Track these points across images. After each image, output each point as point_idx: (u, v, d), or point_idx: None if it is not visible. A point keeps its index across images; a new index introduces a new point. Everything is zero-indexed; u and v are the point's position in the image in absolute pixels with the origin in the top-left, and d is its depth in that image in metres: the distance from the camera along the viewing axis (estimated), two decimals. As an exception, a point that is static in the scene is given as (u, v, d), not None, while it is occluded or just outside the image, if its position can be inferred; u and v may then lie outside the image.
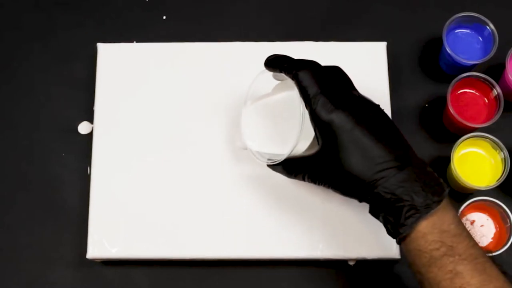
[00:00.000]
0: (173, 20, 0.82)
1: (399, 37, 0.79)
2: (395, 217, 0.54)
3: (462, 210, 0.68)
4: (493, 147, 0.71)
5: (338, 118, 0.55)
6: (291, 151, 0.59)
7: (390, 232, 0.56)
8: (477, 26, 0.75)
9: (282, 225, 0.70)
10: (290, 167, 0.62)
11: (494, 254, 0.67)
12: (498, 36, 0.73)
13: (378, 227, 0.69)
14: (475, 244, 0.54)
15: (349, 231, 0.70)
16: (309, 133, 0.58)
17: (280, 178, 0.71)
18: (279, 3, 0.82)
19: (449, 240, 0.53)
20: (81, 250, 0.71)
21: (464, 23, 0.75)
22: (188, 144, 0.73)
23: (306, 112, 0.57)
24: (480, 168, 0.72)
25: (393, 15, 0.81)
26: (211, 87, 0.74)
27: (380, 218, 0.56)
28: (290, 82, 0.59)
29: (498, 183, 0.69)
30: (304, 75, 0.57)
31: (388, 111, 0.73)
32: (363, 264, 0.72)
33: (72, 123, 0.77)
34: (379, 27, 0.81)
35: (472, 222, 0.70)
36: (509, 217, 0.67)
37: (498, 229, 0.70)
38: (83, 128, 0.77)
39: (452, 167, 0.69)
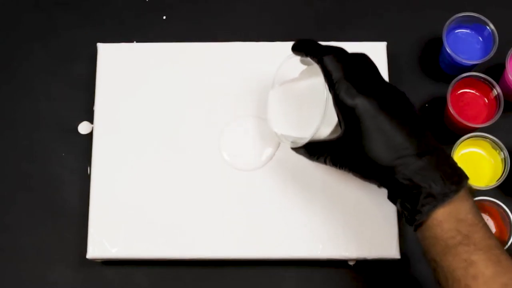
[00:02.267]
0: (173, 20, 0.82)
1: (399, 37, 0.79)
2: (412, 204, 0.54)
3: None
4: (493, 147, 0.71)
5: (361, 104, 0.56)
6: (314, 135, 0.60)
7: (407, 219, 0.56)
8: (477, 26, 0.75)
9: (282, 225, 0.70)
10: (313, 149, 0.62)
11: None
12: (498, 36, 0.73)
13: (378, 227, 0.69)
14: (491, 235, 0.54)
15: (349, 231, 0.70)
16: (333, 118, 0.59)
17: (280, 179, 0.71)
18: (279, 3, 0.82)
19: (465, 229, 0.53)
20: (81, 250, 0.71)
21: (464, 23, 0.75)
22: (188, 144, 0.73)
23: (330, 97, 0.58)
24: (480, 168, 0.72)
25: (393, 15, 0.81)
26: (211, 87, 0.74)
27: (398, 204, 0.57)
28: (316, 68, 0.60)
29: (498, 183, 0.69)
30: (329, 60, 0.58)
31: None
32: (363, 264, 0.72)
33: (72, 123, 0.77)
34: (379, 27, 0.81)
35: (472, 222, 0.70)
36: (509, 217, 0.67)
37: (498, 229, 0.70)
38: (83, 128, 0.77)
39: (452, 167, 0.69)
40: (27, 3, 0.83)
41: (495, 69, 0.77)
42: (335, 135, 0.59)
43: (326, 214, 0.70)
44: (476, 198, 0.68)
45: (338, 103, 0.57)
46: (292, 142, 0.65)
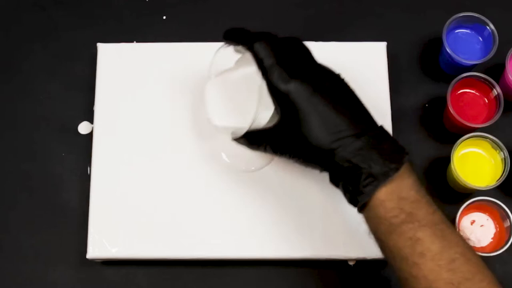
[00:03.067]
0: (173, 20, 0.82)
1: (399, 37, 0.79)
2: (353, 186, 0.54)
3: (462, 210, 0.68)
4: (493, 147, 0.71)
5: (295, 88, 0.55)
6: (252, 123, 0.60)
7: (350, 201, 0.56)
8: (477, 26, 0.75)
9: (282, 225, 0.70)
10: (252, 138, 0.62)
11: (494, 254, 0.67)
12: (498, 36, 0.73)
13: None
14: (435, 210, 0.54)
15: (349, 231, 0.70)
16: (270, 104, 0.58)
17: (280, 178, 0.71)
18: (279, 4, 0.82)
19: (408, 207, 0.53)
20: (81, 250, 0.71)
21: (464, 23, 0.75)
22: (188, 144, 0.73)
23: (264, 85, 0.57)
24: (480, 168, 0.72)
25: (393, 15, 0.81)
26: (211, 87, 0.75)
27: (340, 187, 0.56)
28: (249, 56, 0.59)
29: (498, 183, 0.69)
30: (260, 47, 0.57)
31: (388, 111, 0.73)
32: (363, 264, 0.72)
33: (72, 123, 0.77)
34: (379, 27, 0.81)
35: (472, 222, 0.70)
36: (509, 217, 0.67)
37: (498, 229, 0.70)
38: (83, 128, 0.77)
39: (452, 167, 0.69)
40: (27, 3, 0.83)
41: (495, 69, 0.77)
42: (273, 122, 0.59)
43: (326, 214, 0.70)
44: (476, 198, 0.68)
45: (272, 89, 0.56)
46: (232, 133, 0.64)
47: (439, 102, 0.77)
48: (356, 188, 0.54)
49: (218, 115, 0.66)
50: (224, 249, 0.69)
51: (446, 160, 0.73)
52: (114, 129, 0.73)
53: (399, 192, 0.53)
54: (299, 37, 0.60)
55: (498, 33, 0.73)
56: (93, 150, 0.73)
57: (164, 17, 0.82)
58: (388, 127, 0.72)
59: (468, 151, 0.72)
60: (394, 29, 0.80)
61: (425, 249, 0.52)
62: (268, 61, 0.56)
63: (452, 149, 0.70)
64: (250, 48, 0.58)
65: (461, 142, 0.70)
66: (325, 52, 0.75)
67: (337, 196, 0.70)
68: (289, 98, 0.55)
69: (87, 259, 0.70)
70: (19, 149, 0.77)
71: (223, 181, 0.71)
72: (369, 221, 0.55)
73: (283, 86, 0.56)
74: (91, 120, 0.76)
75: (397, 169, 0.53)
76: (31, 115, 0.78)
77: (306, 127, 0.55)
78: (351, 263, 0.72)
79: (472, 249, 0.54)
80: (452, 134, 0.75)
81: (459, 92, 0.74)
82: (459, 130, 0.73)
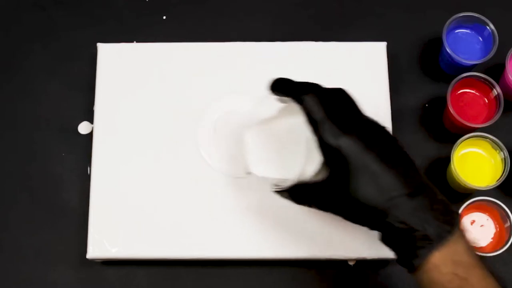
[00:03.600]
0: (173, 20, 0.82)
1: (399, 37, 0.79)
2: (407, 248, 0.52)
3: (462, 210, 0.68)
4: (493, 147, 0.71)
5: (346, 144, 0.53)
6: (297, 177, 0.57)
7: (402, 262, 0.54)
8: (477, 26, 0.75)
9: (282, 225, 0.70)
10: (297, 194, 0.59)
11: (494, 254, 0.67)
12: (498, 36, 0.73)
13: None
14: (488, 274, 0.52)
15: (349, 231, 0.70)
16: (316, 158, 0.56)
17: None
18: (279, 3, 0.82)
19: (463, 272, 0.51)
20: (81, 250, 0.71)
21: (464, 23, 0.75)
22: (189, 144, 0.73)
23: (312, 138, 0.55)
24: (480, 168, 0.72)
25: (393, 15, 0.81)
26: (211, 87, 0.74)
27: (391, 247, 0.55)
28: (295, 106, 0.57)
29: (498, 183, 0.69)
30: (309, 100, 0.55)
31: (388, 111, 0.73)
32: (363, 264, 0.72)
33: (72, 123, 0.77)
34: (379, 27, 0.81)
35: (472, 222, 0.70)
36: (509, 217, 0.67)
37: (498, 229, 0.70)
38: (83, 128, 0.77)
39: (452, 167, 0.69)
40: (27, 3, 0.83)
41: (495, 69, 0.77)
42: (320, 177, 0.56)
43: (326, 214, 0.70)
44: (476, 198, 0.68)
45: (322, 144, 0.54)
46: (273, 185, 0.61)
47: (439, 102, 0.77)
48: (410, 250, 0.52)
49: (260, 165, 0.63)
50: (224, 249, 0.69)
51: (446, 160, 0.73)
52: (114, 129, 0.73)
53: (453, 256, 0.52)
54: (343, 89, 0.58)
55: (498, 33, 0.73)
56: (93, 150, 0.73)
57: (164, 17, 0.82)
58: (388, 127, 0.72)
59: (468, 151, 0.72)
60: (394, 29, 0.80)
61: None
62: (318, 115, 0.54)
63: (452, 149, 0.70)
64: (299, 101, 0.56)
65: (461, 142, 0.70)
66: (325, 52, 0.75)
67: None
68: (340, 153, 0.53)
69: (87, 259, 0.70)
70: (19, 149, 0.77)
71: (223, 181, 0.71)
72: (422, 283, 0.53)
73: (334, 141, 0.53)
74: (91, 120, 0.76)
75: (451, 232, 0.52)
76: (31, 115, 0.78)
77: (357, 184, 0.52)
78: (351, 263, 0.72)
79: None
80: (452, 134, 0.75)
81: (459, 92, 0.74)
82: (459, 130, 0.73)
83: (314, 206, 0.57)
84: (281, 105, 0.62)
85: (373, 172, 0.52)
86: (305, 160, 0.56)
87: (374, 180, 0.52)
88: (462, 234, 0.53)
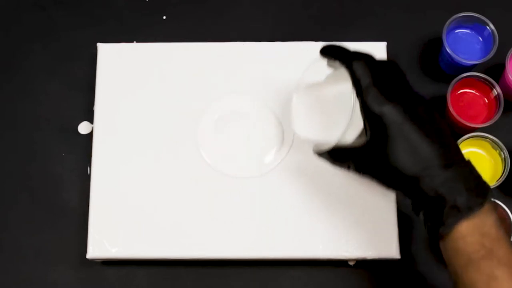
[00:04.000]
0: (173, 20, 0.82)
1: (399, 37, 0.79)
2: (436, 216, 0.54)
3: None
4: (493, 147, 0.71)
5: (389, 112, 0.55)
6: (339, 140, 0.60)
7: (430, 231, 0.55)
8: (477, 26, 0.75)
9: (282, 225, 0.70)
10: (336, 155, 0.61)
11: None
12: (498, 36, 0.73)
13: (378, 227, 0.69)
14: None
15: (349, 231, 0.70)
16: (358, 124, 0.58)
17: (280, 178, 0.71)
18: (280, 3, 0.82)
19: (489, 244, 0.52)
20: (81, 250, 0.71)
21: (464, 23, 0.75)
22: (189, 143, 0.73)
23: (357, 103, 0.57)
24: (480, 168, 0.71)
25: (393, 15, 0.81)
26: (211, 87, 0.74)
27: (420, 215, 0.56)
28: (343, 73, 0.59)
29: (498, 183, 0.69)
30: (358, 66, 0.57)
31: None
32: (363, 264, 0.72)
33: (72, 123, 0.77)
34: (379, 27, 0.81)
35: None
36: (509, 217, 0.67)
37: (498, 229, 0.70)
38: (83, 128, 0.77)
39: (452, 167, 0.69)
40: (27, 3, 0.83)
41: (495, 69, 0.77)
42: (359, 142, 0.58)
43: (326, 214, 0.70)
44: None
45: (365, 110, 0.56)
46: (315, 146, 0.64)
47: (439, 102, 0.77)
48: (438, 218, 0.54)
49: (303, 127, 0.66)
50: (224, 249, 0.69)
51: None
52: (114, 129, 0.73)
53: (481, 228, 0.53)
54: (395, 61, 0.60)
55: (498, 33, 0.73)
56: (93, 150, 0.73)
57: (164, 17, 0.82)
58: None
59: (468, 151, 0.72)
60: (394, 29, 0.80)
61: (500, 287, 0.51)
62: (365, 81, 0.56)
63: (452, 149, 0.70)
64: (348, 66, 0.58)
65: (461, 142, 0.70)
66: (325, 52, 0.75)
67: (337, 196, 0.70)
68: (382, 120, 0.55)
69: (87, 259, 0.70)
70: (19, 149, 0.77)
71: (223, 181, 0.71)
72: (447, 252, 0.55)
73: (377, 108, 0.55)
74: (91, 120, 0.76)
75: (481, 204, 0.53)
76: (31, 115, 0.78)
77: (395, 151, 0.55)
78: (351, 263, 0.72)
79: None
80: (452, 134, 0.75)
81: (459, 92, 0.74)
82: (459, 130, 0.73)
83: (352, 168, 0.59)
84: (329, 71, 0.64)
85: (411, 141, 0.54)
86: (347, 125, 0.58)
87: (412, 149, 0.54)
88: (492, 209, 0.54)
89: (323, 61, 0.62)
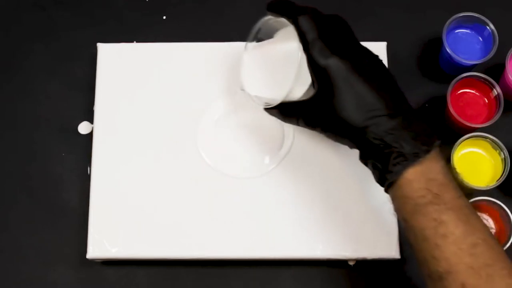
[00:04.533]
0: (173, 20, 0.82)
1: (399, 37, 0.79)
2: (382, 164, 0.55)
3: (462, 210, 0.68)
4: (493, 147, 0.71)
5: (334, 64, 0.56)
6: (287, 95, 0.60)
7: (378, 179, 0.57)
8: (477, 26, 0.75)
9: (282, 225, 0.70)
10: (286, 110, 0.62)
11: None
12: (498, 36, 0.73)
13: (378, 227, 0.69)
14: (461, 195, 0.54)
15: (349, 231, 0.70)
16: (307, 79, 0.59)
17: (280, 178, 0.71)
18: (279, 3, 0.82)
19: (436, 189, 0.53)
20: (81, 250, 0.71)
21: (464, 23, 0.75)
22: (189, 143, 0.73)
23: (304, 58, 0.58)
24: (480, 168, 0.72)
25: (393, 15, 0.81)
26: (211, 87, 0.74)
27: (369, 164, 0.57)
28: (292, 30, 0.60)
29: (498, 183, 0.69)
30: (304, 20, 0.58)
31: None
32: (363, 264, 0.72)
33: (72, 123, 0.77)
34: (379, 27, 0.81)
35: (472, 222, 0.70)
36: (509, 217, 0.67)
37: (498, 229, 0.70)
38: (83, 128, 0.77)
39: (452, 167, 0.69)
40: (27, 3, 0.83)
41: (495, 69, 0.77)
42: (307, 95, 0.60)
43: (326, 214, 0.70)
44: (476, 198, 0.68)
45: (312, 63, 0.57)
46: (265, 103, 0.65)
47: (439, 102, 0.77)
48: (385, 166, 0.55)
49: (252, 84, 0.67)
50: (224, 249, 0.69)
51: (446, 160, 0.72)
52: (114, 129, 0.73)
53: (427, 174, 0.54)
54: (339, 16, 0.62)
55: (498, 33, 0.73)
56: (93, 150, 0.73)
57: (164, 17, 0.82)
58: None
59: (468, 151, 0.72)
60: (394, 29, 0.80)
61: (448, 231, 0.52)
62: (311, 35, 0.57)
63: (452, 149, 0.70)
64: (294, 21, 0.59)
65: (461, 142, 0.70)
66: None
67: (337, 196, 0.70)
68: (327, 73, 0.56)
69: (87, 259, 0.70)
70: (19, 149, 0.77)
71: (223, 181, 0.71)
72: (395, 200, 0.56)
73: (323, 61, 0.56)
74: (91, 120, 0.76)
75: (427, 151, 0.54)
76: (31, 115, 0.78)
77: (341, 102, 0.56)
78: (351, 263, 0.72)
79: (494, 237, 0.54)
80: (452, 134, 0.75)
81: (459, 92, 0.74)
82: (459, 130, 0.73)
83: (301, 122, 0.61)
84: (279, 30, 0.65)
85: (356, 91, 0.56)
86: (295, 80, 0.59)
87: (357, 99, 0.56)
88: (439, 156, 0.55)
89: (272, 19, 0.63)
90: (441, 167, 0.55)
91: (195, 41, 0.77)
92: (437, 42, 0.78)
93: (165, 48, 0.76)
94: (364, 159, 0.58)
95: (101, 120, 0.74)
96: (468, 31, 0.76)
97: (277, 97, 0.62)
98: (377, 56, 0.60)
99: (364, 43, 0.75)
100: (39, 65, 0.80)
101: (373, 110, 0.55)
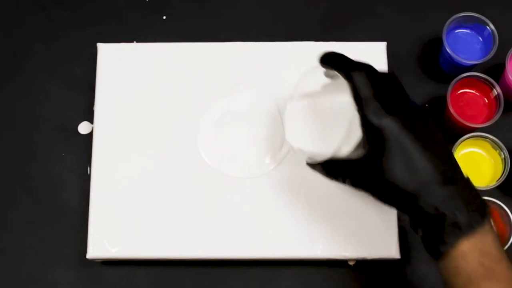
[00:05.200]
0: (173, 20, 0.82)
1: (399, 37, 0.79)
2: (436, 233, 0.53)
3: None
4: (493, 147, 0.71)
5: (389, 125, 0.54)
6: (334, 153, 0.58)
7: (429, 248, 0.54)
8: (477, 26, 0.75)
9: (282, 225, 0.70)
10: (331, 168, 0.60)
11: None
12: (498, 36, 0.73)
13: (378, 227, 0.69)
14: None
15: (349, 231, 0.70)
16: (354, 136, 0.57)
17: (280, 178, 0.71)
18: (279, 3, 0.82)
19: (489, 263, 0.52)
20: (81, 250, 0.71)
21: (464, 23, 0.75)
22: (189, 143, 0.73)
23: (356, 116, 0.56)
24: (480, 168, 0.72)
25: (393, 15, 0.81)
26: (211, 87, 0.74)
27: (419, 232, 0.55)
28: (341, 82, 0.57)
29: (498, 183, 0.69)
30: (359, 77, 0.55)
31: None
32: (363, 264, 0.72)
33: (72, 123, 0.77)
34: (379, 27, 0.81)
35: (472, 222, 0.70)
36: (509, 217, 0.67)
37: (498, 229, 0.70)
38: (83, 128, 0.77)
39: (452, 167, 0.69)
40: (27, 3, 0.83)
41: (495, 69, 0.77)
42: (354, 155, 0.57)
43: (326, 214, 0.70)
44: (476, 198, 0.68)
45: (365, 122, 0.55)
46: (308, 158, 0.63)
47: (439, 102, 0.77)
48: (438, 236, 0.53)
49: (297, 137, 0.64)
50: (224, 249, 0.69)
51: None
52: (114, 129, 0.73)
53: (481, 246, 0.52)
54: (394, 73, 0.59)
55: (498, 33, 0.73)
56: (93, 150, 0.73)
57: (164, 17, 0.82)
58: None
59: (468, 151, 0.72)
60: (394, 29, 0.80)
61: None
62: (366, 93, 0.55)
63: (452, 149, 0.70)
64: (349, 76, 0.56)
65: (461, 142, 0.70)
66: (325, 52, 0.75)
67: (337, 196, 0.70)
68: (381, 133, 0.54)
69: (87, 259, 0.70)
70: (19, 149, 0.77)
71: (223, 181, 0.71)
72: (446, 271, 0.54)
73: (377, 121, 0.54)
74: (91, 120, 0.76)
75: (482, 222, 0.52)
76: (31, 115, 0.78)
77: (393, 166, 0.53)
78: (351, 263, 0.72)
79: None
80: (452, 134, 0.75)
81: (459, 92, 0.74)
82: (459, 130, 0.73)
83: (348, 182, 0.58)
84: (326, 80, 0.62)
85: (410, 156, 0.53)
86: (344, 137, 0.57)
87: (411, 164, 0.53)
88: (491, 227, 0.53)
89: (320, 69, 0.61)
90: (494, 239, 0.53)
91: (195, 41, 0.77)
92: (437, 42, 0.78)
93: (165, 48, 0.76)
94: (414, 226, 0.55)
95: (101, 120, 0.74)
96: (468, 31, 0.76)
97: (322, 152, 0.59)
98: (428, 115, 0.57)
99: (364, 43, 0.76)
100: (39, 65, 0.80)
101: (426, 175, 0.53)
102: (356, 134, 0.57)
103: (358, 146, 0.57)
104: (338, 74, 0.58)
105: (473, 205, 0.53)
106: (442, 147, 0.56)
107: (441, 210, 0.52)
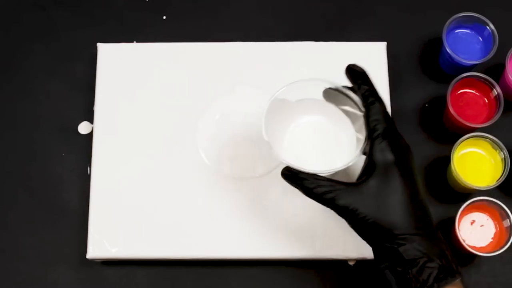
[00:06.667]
0: (173, 20, 0.82)
1: (399, 37, 0.79)
2: (417, 277, 0.53)
3: (462, 210, 0.68)
4: (493, 147, 0.71)
5: (391, 166, 0.55)
6: (331, 170, 0.58)
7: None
8: (477, 26, 0.75)
9: (281, 225, 0.70)
10: (312, 183, 0.58)
11: (494, 254, 0.67)
12: (498, 36, 0.73)
13: (378, 227, 0.69)
14: None
15: (349, 231, 0.69)
16: (344, 159, 0.58)
17: (280, 178, 0.71)
18: (280, 3, 0.82)
19: None
20: (81, 250, 0.71)
21: (464, 23, 0.75)
22: (189, 143, 0.73)
23: (364, 141, 0.57)
24: (480, 168, 0.72)
25: (393, 15, 0.81)
26: (211, 87, 0.75)
27: (387, 273, 0.56)
28: (341, 100, 0.60)
29: (498, 183, 0.69)
30: (378, 109, 0.57)
31: (388, 111, 0.73)
32: (363, 264, 0.72)
33: (72, 123, 0.77)
34: (379, 27, 0.81)
35: (472, 222, 0.70)
36: (509, 217, 0.67)
37: (498, 229, 0.70)
38: (83, 128, 0.77)
39: (452, 167, 0.69)
40: (27, 3, 0.83)
41: (495, 69, 0.77)
42: (342, 178, 0.57)
43: (326, 214, 0.70)
44: (476, 198, 0.68)
45: (370, 156, 0.56)
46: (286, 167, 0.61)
47: (439, 102, 0.77)
48: (424, 281, 0.53)
49: (282, 151, 0.63)
50: (224, 249, 0.69)
51: (446, 160, 0.73)
52: (114, 129, 0.73)
53: None
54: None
55: (498, 33, 0.73)
56: (93, 150, 0.73)
57: (164, 17, 0.82)
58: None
59: (468, 151, 0.72)
60: (394, 29, 0.80)
61: None
62: (381, 128, 0.56)
63: (452, 149, 0.70)
64: (371, 103, 0.57)
65: (461, 142, 0.70)
66: (325, 52, 0.75)
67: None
68: (385, 169, 0.55)
69: (87, 259, 0.70)
70: (19, 149, 0.77)
71: (223, 181, 0.71)
72: None
73: (382, 159, 0.55)
74: (91, 120, 0.76)
75: (454, 276, 0.53)
76: (31, 115, 0.78)
77: (386, 204, 0.55)
78: (351, 263, 0.72)
79: None
80: (452, 134, 0.75)
81: (459, 92, 0.74)
82: (459, 130, 0.73)
83: (334, 204, 0.57)
84: (313, 95, 0.62)
85: (403, 199, 0.55)
86: (351, 162, 0.57)
87: (406, 209, 0.54)
88: (462, 283, 0.54)
89: (313, 82, 0.61)
90: None
91: (195, 41, 0.77)
92: (437, 42, 0.78)
93: (165, 48, 0.76)
94: (393, 272, 0.56)
95: (101, 120, 0.74)
96: (468, 31, 0.76)
97: (317, 170, 0.58)
98: (412, 155, 0.58)
99: (364, 43, 0.76)
100: (39, 65, 0.80)
101: (408, 228, 0.54)
102: (346, 156, 0.58)
103: (344, 171, 0.58)
104: (340, 95, 0.60)
105: (446, 258, 0.54)
106: (424, 203, 0.56)
107: (422, 256, 0.53)
